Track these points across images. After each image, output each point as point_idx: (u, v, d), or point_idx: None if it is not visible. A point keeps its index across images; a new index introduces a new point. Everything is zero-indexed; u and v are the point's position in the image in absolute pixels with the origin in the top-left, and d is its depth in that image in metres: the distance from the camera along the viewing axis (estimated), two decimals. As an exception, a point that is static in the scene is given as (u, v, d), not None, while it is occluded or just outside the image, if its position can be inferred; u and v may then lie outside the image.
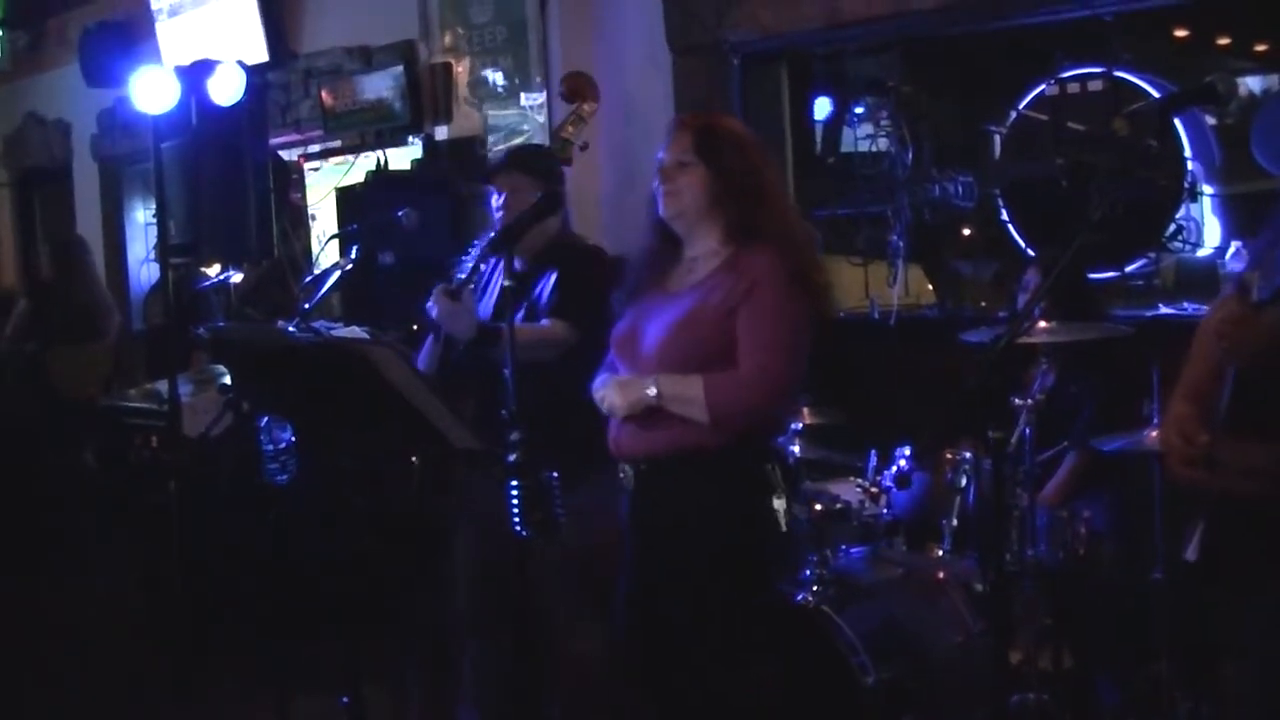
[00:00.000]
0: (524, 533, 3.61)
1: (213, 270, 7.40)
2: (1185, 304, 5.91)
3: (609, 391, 3.81)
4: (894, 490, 5.08)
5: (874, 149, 7.00)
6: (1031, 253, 6.33)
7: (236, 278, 7.53)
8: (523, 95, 7.76)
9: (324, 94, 8.88)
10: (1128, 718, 4.68)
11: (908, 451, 5.12)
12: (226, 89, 6.41)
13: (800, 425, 5.15)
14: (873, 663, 4.49)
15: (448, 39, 8.21)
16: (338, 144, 8.99)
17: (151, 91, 6.06)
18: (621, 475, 3.92)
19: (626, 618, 3.97)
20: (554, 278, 4.52)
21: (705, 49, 6.95)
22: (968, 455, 4.96)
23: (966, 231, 7.15)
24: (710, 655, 3.75)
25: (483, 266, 4.55)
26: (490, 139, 7.91)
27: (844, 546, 5.02)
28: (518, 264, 4.54)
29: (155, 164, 6.45)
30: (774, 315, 3.70)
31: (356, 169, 8.49)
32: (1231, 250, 5.93)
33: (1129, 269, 6.18)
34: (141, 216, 11.71)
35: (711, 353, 3.71)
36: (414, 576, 5.19)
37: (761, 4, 6.71)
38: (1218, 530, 3.32)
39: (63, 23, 11.71)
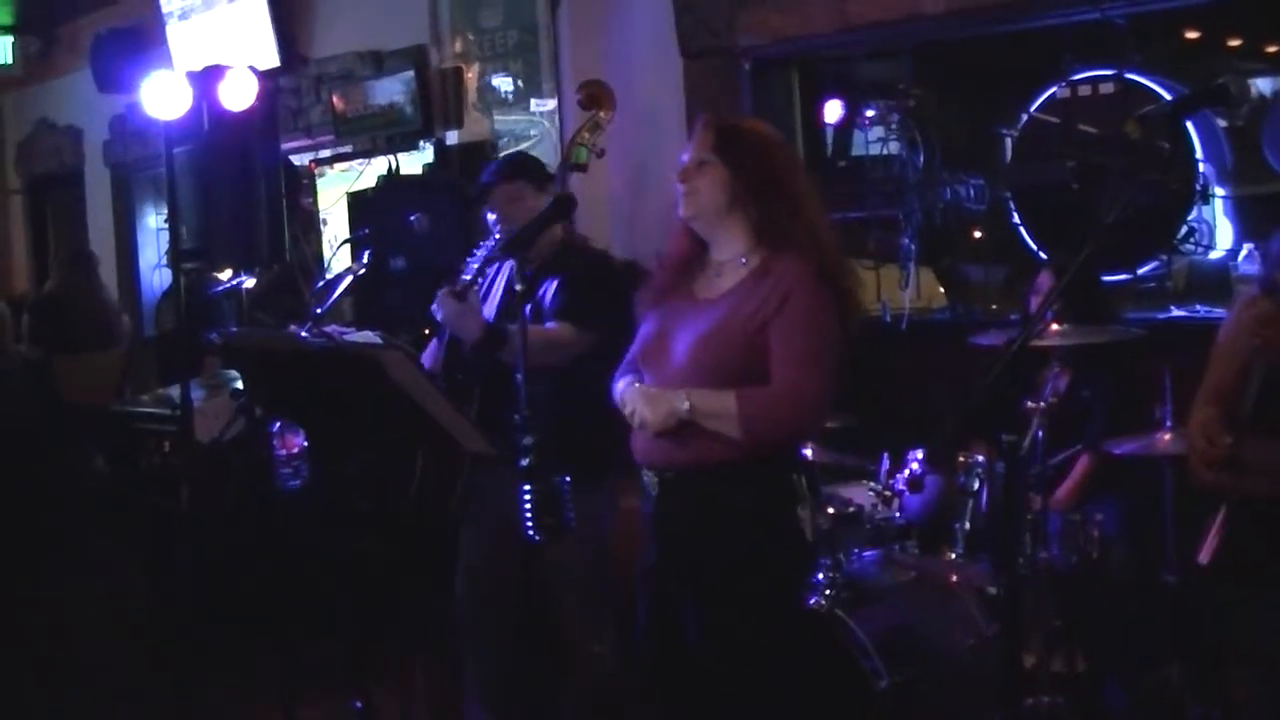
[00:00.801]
0: (536, 537, 3.61)
1: (225, 275, 7.41)
2: (1197, 306, 5.91)
3: (639, 405, 3.70)
4: (906, 494, 5.07)
5: (885, 152, 7.00)
6: (1043, 256, 6.32)
7: (248, 283, 7.54)
8: (533, 101, 7.77)
9: (335, 99, 8.90)
10: (1137, 721, 4.69)
11: (920, 455, 5.11)
12: (238, 94, 6.43)
13: (812, 429, 5.15)
14: (885, 666, 4.48)
15: (458, 44, 8.22)
16: (349, 149, 9.00)
17: (163, 97, 6.07)
18: (645, 481, 3.86)
19: (646, 624, 3.95)
20: (559, 281, 4.51)
21: (715, 54, 6.96)
22: (980, 459, 4.96)
23: (978, 234, 7.14)
24: (730, 663, 3.73)
25: (488, 270, 4.55)
26: (500, 144, 7.92)
27: (856, 550, 5.00)
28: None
29: (167, 169, 6.47)
30: (807, 329, 3.63)
31: (367, 174, 8.50)
32: (1244, 252, 5.91)
33: (1141, 271, 6.17)
34: (153, 222, 11.75)
35: (743, 366, 3.65)
36: (420, 578, 5.19)
37: (772, 8, 6.71)
38: (1236, 530, 3.32)
39: (74, 29, 11.75)
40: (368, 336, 4.60)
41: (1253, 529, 3.28)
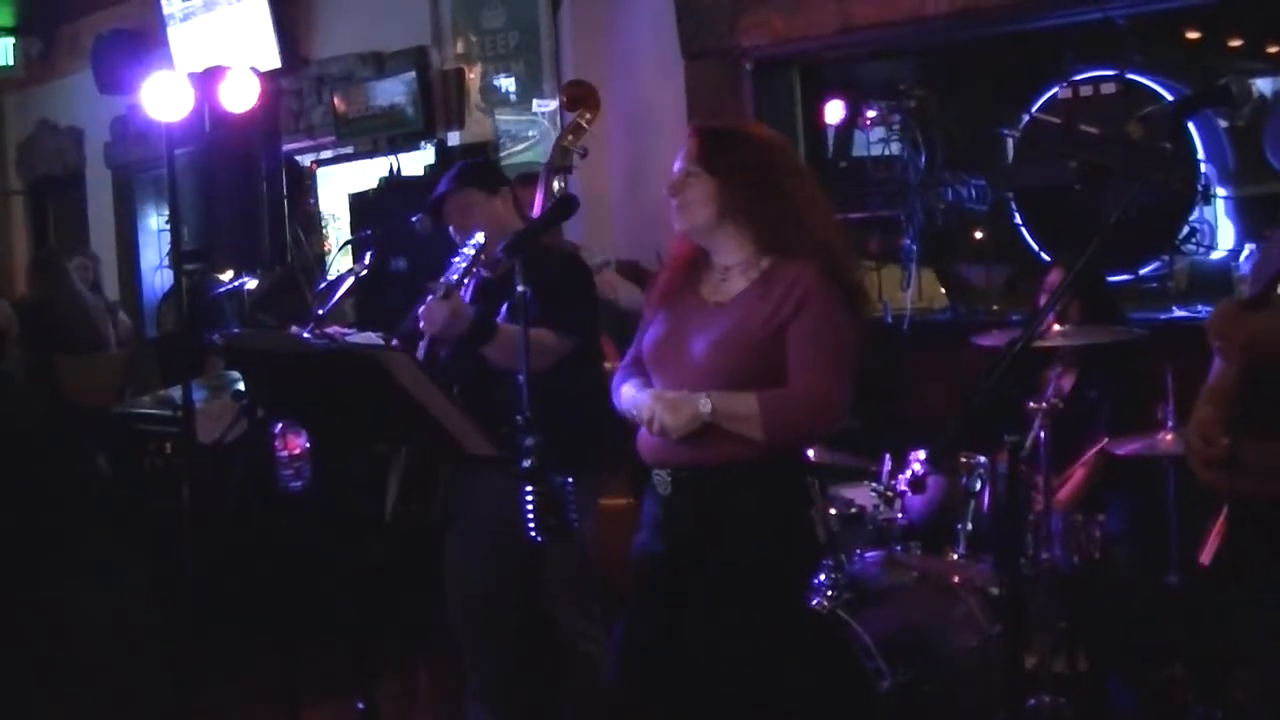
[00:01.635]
0: (539, 538, 3.61)
1: (226, 277, 7.41)
2: (1199, 306, 5.91)
3: (659, 411, 3.65)
4: (908, 494, 5.06)
5: (886, 153, 7.01)
6: (1046, 256, 6.33)
7: (250, 284, 7.54)
8: (534, 101, 7.77)
9: (336, 100, 8.90)
10: (1141, 721, 4.69)
11: (922, 455, 5.10)
12: (239, 95, 6.42)
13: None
14: (888, 667, 4.48)
15: (460, 45, 8.23)
16: (350, 150, 9.00)
17: (164, 98, 6.07)
18: (655, 480, 3.82)
19: (649, 622, 3.94)
20: (534, 288, 4.50)
21: (717, 55, 6.96)
22: (982, 459, 4.95)
23: (979, 235, 7.15)
24: (736, 661, 3.72)
25: (466, 279, 4.52)
26: (502, 144, 7.93)
27: (859, 551, 5.00)
28: (484, 271, 4.60)
29: (168, 171, 6.46)
30: (824, 333, 3.60)
31: (368, 174, 8.50)
32: (1245, 253, 5.92)
33: (1143, 272, 6.18)
34: (154, 223, 11.76)
35: (761, 369, 3.62)
36: (423, 580, 5.20)
37: (773, 10, 6.71)
38: (1236, 531, 3.32)
39: (75, 30, 11.75)
40: (369, 338, 4.61)
41: (1252, 530, 3.29)
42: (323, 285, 5.39)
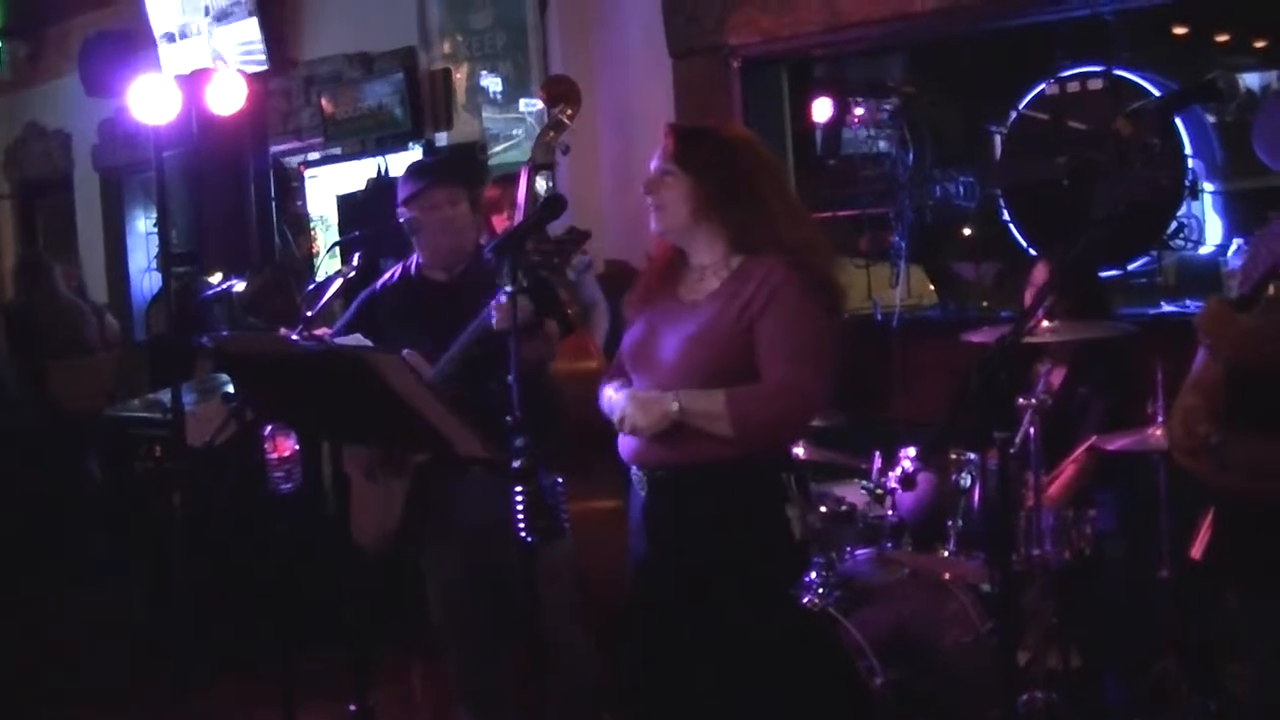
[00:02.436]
0: (529, 538, 3.61)
1: (215, 279, 7.40)
2: (1188, 302, 5.92)
3: (630, 411, 3.69)
4: (899, 492, 5.07)
5: (874, 150, 7.01)
6: (1033, 252, 6.33)
7: (239, 286, 7.53)
8: (522, 101, 7.77)
9: (324, 101, 8.89)
10: (1136, 716, 4.68)
11: (912, 453, 5.10)
12: (227, 98, 6.42)
13: (804, 428, 5.15)
14: (881, 665, 4.48)
15: (447, 46, 8.22)
16: (338, 151, 8.99)
17: (152, 101, 6.06)
18: (634, 480, 3.87)
19: (635, 619, 3.97)
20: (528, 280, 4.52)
21: (705, 53, 6.96)
22: (972, 456, 4.95)
23: (968, 232, 7.15)
24: (721, 657, 3.74)
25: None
26: (490, 145, 7.92)
27: (849, 549, 5.01)
28: (444, 274, 4.68)
29: (156, 173, 6.46)
30: (793, 326, 3.61)
31: (357, 175, 8.49)
32: (1233, 248, 5.93)
33: (1131, 267, 6.19)
34: (143, 226, 11.73)
35: (732, 366, 3.64)
36: (417, 581, 5.19)
37: (761, 7, 6.71)
38: (1225, 526, 3.33)
39: (63, 33, 11.72)
40: (358, 340, 4.60)
41: (1239, 525, 3.29)
42: (311, 287, 5.37)
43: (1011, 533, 4.53)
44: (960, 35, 6.77)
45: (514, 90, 7.83)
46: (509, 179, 5.54)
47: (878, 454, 5.10)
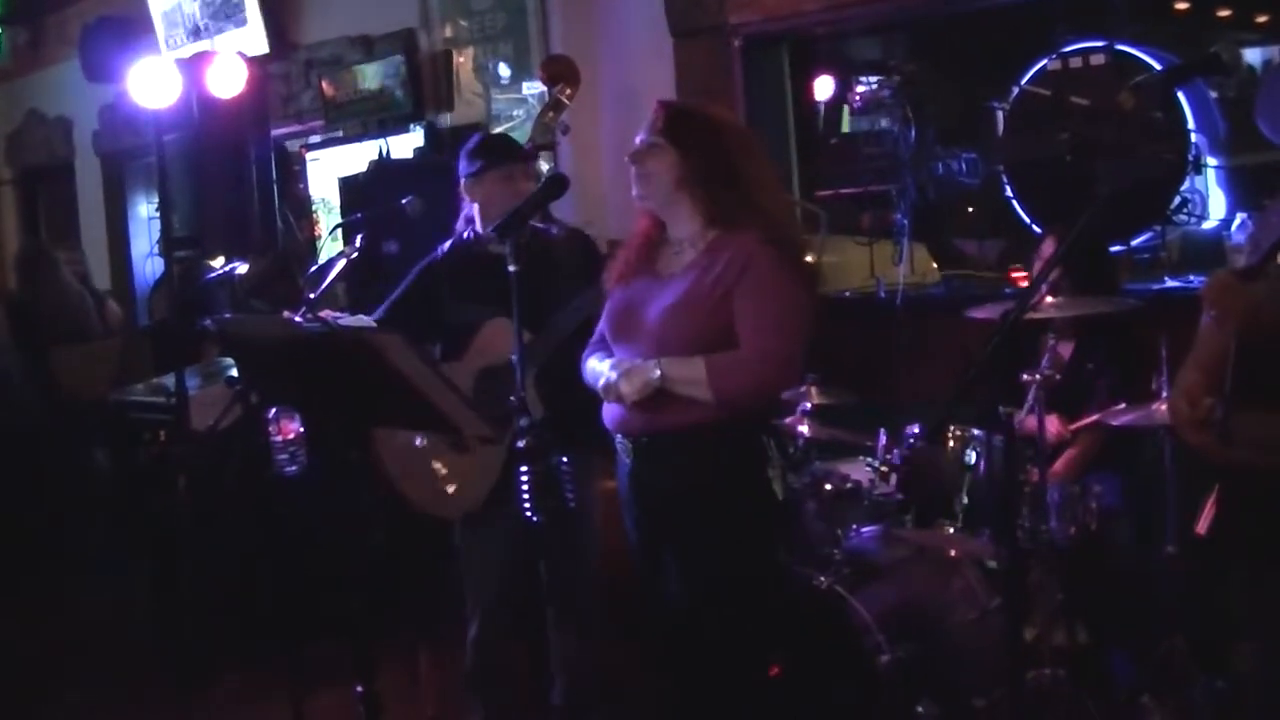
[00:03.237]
0: (535, 518, 3.62)
1: (217, 263, 7.39)
2: (1191, 277, 5.90)
3: (614, 379, 3.85)
4: (904, 469, 5.06)
5: (877, 128, 6.99)
6: (1037, 229, 6.31)
7: (241, 270, 7.52)
8: (524, 83, 7.75)
9: (325, 84, 8.87)
10: (1143, 692, 4.67)
11: (917, 430, 5.10)
12: (227, 81, 6.41)
13: (809, 406, 5.14)
14: (887, 642, 4.49)
15: (448, 28, 8.21)
16: (339, 134, 8.98)
17: (152, 85, 6.04)
18: (619, 448, 4.02)
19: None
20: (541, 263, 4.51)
21: (707, 33, 6.94)
22: (977, 432, 4.95)
23: (971, 209, 7.14)
24: (710, 615, 3.88)
25: None
26: (492, 126, 7.90)
27: (855, 526, 5.01)
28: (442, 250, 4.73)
29: (158, 158, 6.45)
30: (768, 295, 3.76)
31: (358, 158, 8.47)
32: (1237, 222, 5.91)
33: (1135, 243, 6.17)
34: (145, 211, 11.72)
35: (711, 334, 3.78)
36: (424, 566, 5.19)
37: (762, -14, 6.70)
38: (1230, 501, 3.33)
39: (62, 19, 11.71)
40: (361, 321, 4.59)
41: (1245, 500, 3.29)
42: (314, 269, 5.37)
43: (1017, 509, 4.54)
44: (961, 12, 6.76)
45: (515, 72, 7.82)
46: None
47: (883, 432, 5.10)
